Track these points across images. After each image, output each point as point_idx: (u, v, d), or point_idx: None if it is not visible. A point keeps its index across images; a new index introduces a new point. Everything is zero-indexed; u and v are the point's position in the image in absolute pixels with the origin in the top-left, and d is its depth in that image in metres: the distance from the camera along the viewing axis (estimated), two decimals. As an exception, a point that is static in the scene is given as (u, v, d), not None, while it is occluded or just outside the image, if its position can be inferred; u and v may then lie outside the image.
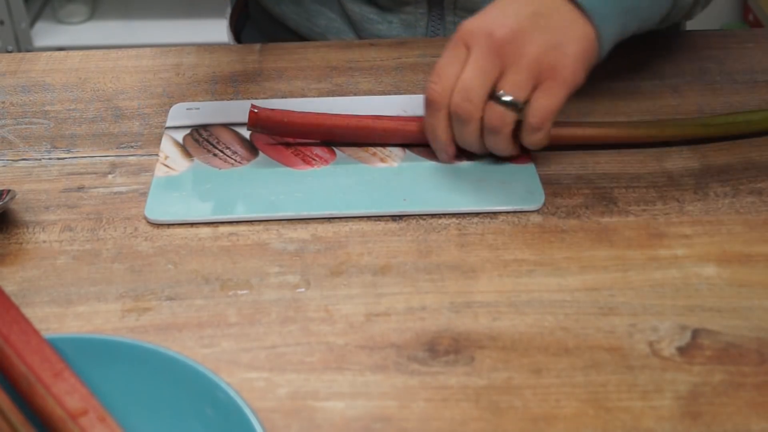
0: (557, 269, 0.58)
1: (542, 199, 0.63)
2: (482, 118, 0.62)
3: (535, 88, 0.61)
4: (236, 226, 0.62)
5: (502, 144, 0.63)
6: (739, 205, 0.63)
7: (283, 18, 0.89)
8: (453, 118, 0.62)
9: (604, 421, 0.49)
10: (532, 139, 0.62)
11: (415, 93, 0.75)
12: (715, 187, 0.65)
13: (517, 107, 0.61)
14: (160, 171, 0.67)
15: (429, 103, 0.63)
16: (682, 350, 0.53)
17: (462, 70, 0.61)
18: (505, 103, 0.61)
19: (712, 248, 0.60)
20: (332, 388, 0.51)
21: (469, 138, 0.63)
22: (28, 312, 0.55)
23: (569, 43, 0.61)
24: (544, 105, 0.61)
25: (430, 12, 0.86)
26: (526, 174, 0.66)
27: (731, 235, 0.61)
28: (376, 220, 0.62)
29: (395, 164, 0.67)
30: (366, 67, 0.79)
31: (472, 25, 0.62)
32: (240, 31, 0.99)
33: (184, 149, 0.69)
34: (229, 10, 1.01)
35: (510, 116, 0.61)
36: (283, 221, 0.62)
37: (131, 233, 0.62)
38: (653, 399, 0.50)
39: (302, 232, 0.62)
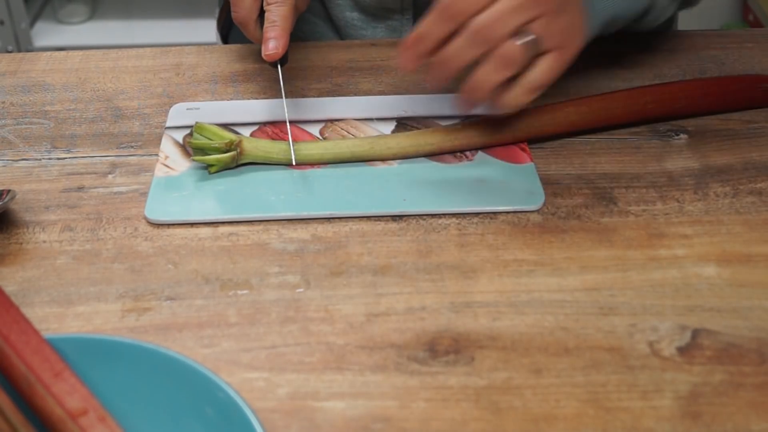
0: (557, 269, 0.58)
1: (542, 199, 0.63)
2: (490, 50, 0.58)
3: (546, 52, 0.60)
4: (236, 226, 0.62)
5: (494, 81, 0.59)
6: (739, 205, 0.63)
7: None
8: (467, 35, 0.58)
9: (604, 421, 0.49)
10: (519, 97, 0.60)
11: (415, 93, 0.75)
12: (715, 187, 0.65)
13: (534, 49, 0.58)
14: (160, 171, 0.67)
15: (444, 9, 0.58)
16: (682, 350, 0.53)
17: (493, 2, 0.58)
18: (530, 43, 0.58)
19: (712, 248, 0.60)
20: (332, 388, 0.51)
21: (463, 60, 0.59)
22: (28, 312, 0.55)
23: (581, 27, 0.62)
24: (549, 69, 0.60)
25: (416, 19, 0.86)
26: (526, 174, 0.66)
27: (731, 235, 0.61)
28: (376, 220, 0.62)
29: (395, 164, 0.67)
30: (366, 67, 0.79)
31: None
32: (228, 32, 0.99)
33: (184, 149, 0.69)
34: (217, 11, 1.00)
35: (527, 55, 0.58)
36: (283, 221, 0.62)
37: (131, 233, 0.62)
38: (653, 399, 0.50)
39: (302, 232, 0.62)
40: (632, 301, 0.56)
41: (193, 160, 0.66)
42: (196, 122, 0.67)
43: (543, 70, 0.60)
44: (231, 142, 0.65)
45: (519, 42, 0.58)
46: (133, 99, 0.76)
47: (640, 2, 0.68)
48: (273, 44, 0.69)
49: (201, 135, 0.66)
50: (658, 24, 0.71)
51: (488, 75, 0.59)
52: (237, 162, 0.66)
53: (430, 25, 0.59)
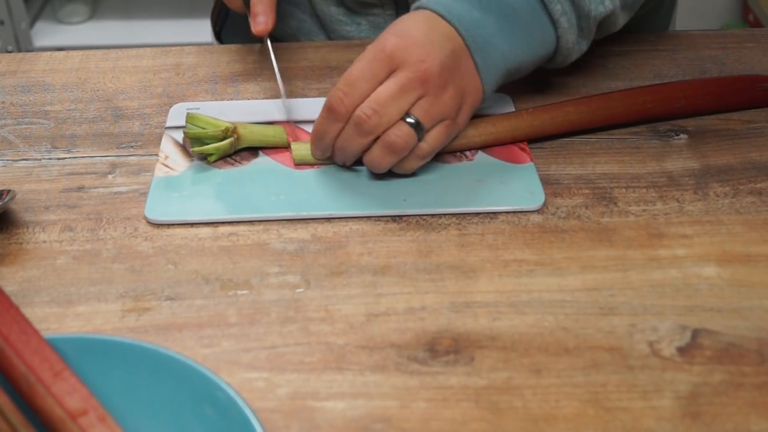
0: (557, 269, 0.58)
1: (542, 199, 0.63)
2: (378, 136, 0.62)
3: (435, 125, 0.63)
4: (236, 226, 0.62)
5: (386, 164, 0.63)
6: (739, 205, 0.63)
7: None
8: (352, 126, 0.62)
9: (604, 421, 0.49)
10: (413, 163, 0.63)
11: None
12: (715, 187, 0.65)
13: (420, 132, 0.62)
14: (160, 171, 0.67)
15: (332, 110, 0.62)
16: (682, 350, 0.53)
17: (378, 87, 0.61)
18: (415, 127, 0.61)
19: (712, 248, 0.60)
20: (332, 388, 0.51)
21: (356, 148, 0.63)
22: (28, 312, 0.55)
23: (470, 93, 0.64)
24: (439, 137, 0.63)
25: (398, 14, 0.86)
26: (526, 174, 0.66)
27: (731, 235, 0.61)
28: (376, 220, 0.62)
29: (395, 164, 0.67)
30: (366, 67, 0.79)
31: (401, 47, 0.62)
32: (221, 27, 0.99)
33: (184, 149, 0.69)
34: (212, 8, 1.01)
35: (414, 139, 0.61)
36: (283, 221, 0.62)
37: (131, 233, 0.62)
38: (653, 399, 0.50)
39: (302, 232, 0.62)
40: (632, 301, 0.56)
41: (192, 152, 0.67)
42: (188, 113, 0.67)
43: (432, 140, 0.63)
44: (227, 129, 0.66)
45: (398, 130, 0.61)
46: (133, 99, 0.76)
47: (541, 48, 0.68)
48: (262, 19, 0.71)
49: (193, 125, 0.67)
50: (572, 60, 0.71)
51: (379, 159, 0.62)
52: (235, 148, 0.67)
53: (322, 124, 0.63)
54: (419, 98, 0.61)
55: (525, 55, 0.67)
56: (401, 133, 0.61)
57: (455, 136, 0.66)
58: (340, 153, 0.64)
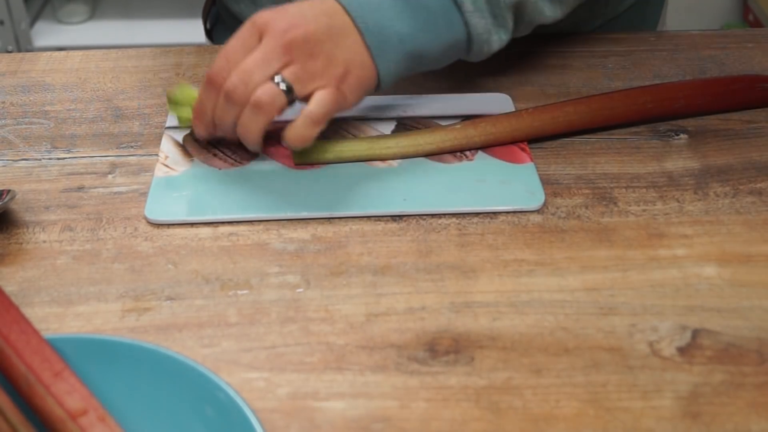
0: (557, 269, 0.58)
1: (542, 199, 0.63)
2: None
3: (314, 90, 0.63)
4: (236, 226, 0.62)
5: (256, 126, 0.62)
6: (739, 205, 0.63)
7: (241, 17, 0.89)
8: (223, 98, 0.63)
9: (604, 421, 0.49)
10: (306, 130, 0.63)
11: (412, 93, 0.75)
12: (715, 187, 0.65)
13: (291, 94, 0.62)
14: (160, 171, 0.67)
15: (208, 81, 0.63)
16: (682, 350, 0.53)
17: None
18: (281, 87, 0.61)
19: (712, 248, 0.60)
20: (332, 388, 0.51)
21: (231, 120, 0.63)
22: (28, 312, 0.55)
23: (356, 66, 0.64)
24: (326, 98, 0.62)
25: None
26: (526, 174, 0.66)
27: (731, 235, 0.61)
28: (376, 220, 0.62)
29: (395, 164, 0.67)
30: (366, 67, 0.79)
31: (269, 17, 0.63)
32: (213, 24, 0.99)
33: (184, 149, 0.69)
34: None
35: (281, 98, 0.62)
36: (283, 221, 0.62)
37: (131, 233, 0.62)
38: (653, 399, 0.50)
39: (302, 232, 0.62)
40: (632, 301, 0.56)
41: (169, 108, 0.69)
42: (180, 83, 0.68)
43: (318, 101, 0.62)
44: None
45: (264, 87, 0.61)
46: (133, 99, 0.76)
47: (448, 34, 0.66)
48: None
49: (178, 92, 0.68)
50: (492, 52, 0.69)
51: (249, 121, 0.63)
52: None
53: (202, 98, 0.65)
54: (287, 65, 0.62)
55: (429, 40, 0.66)
56: (266, 90, 0.61)
57: (346, 108, 0.65)
58: (221, 128, 0.65)
